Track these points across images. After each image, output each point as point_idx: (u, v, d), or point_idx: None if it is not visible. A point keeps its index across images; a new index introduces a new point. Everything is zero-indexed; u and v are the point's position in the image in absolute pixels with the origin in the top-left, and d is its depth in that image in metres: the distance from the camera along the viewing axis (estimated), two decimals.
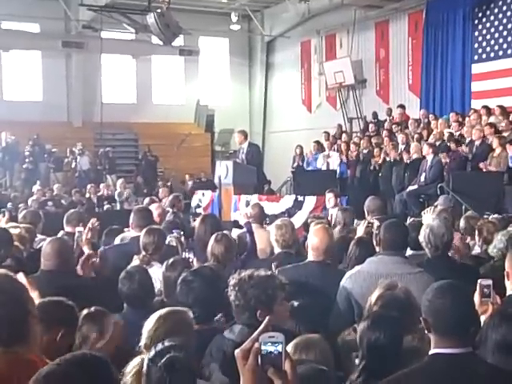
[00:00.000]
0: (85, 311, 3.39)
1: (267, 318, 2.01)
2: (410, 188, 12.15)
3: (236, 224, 8.17)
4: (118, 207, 16.04)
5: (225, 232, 5.35)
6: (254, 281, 3.09)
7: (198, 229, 6.08)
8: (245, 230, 6.43)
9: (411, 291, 3.60)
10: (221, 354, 3.01)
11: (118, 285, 4.16)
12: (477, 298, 3.49)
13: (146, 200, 9.95)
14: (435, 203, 8.92)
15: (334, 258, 5.14)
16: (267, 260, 5.39)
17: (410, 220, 6.76)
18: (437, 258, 4.67)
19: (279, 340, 1.78)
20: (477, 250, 5.77)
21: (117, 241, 6.34)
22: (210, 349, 3.08)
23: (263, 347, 1.77)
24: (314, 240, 4.60)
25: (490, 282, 3.56)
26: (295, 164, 17.18)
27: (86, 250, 5.58)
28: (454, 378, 2.58)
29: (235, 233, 6.84)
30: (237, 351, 1.81)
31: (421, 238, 4.76)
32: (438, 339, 2.65)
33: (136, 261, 4.97)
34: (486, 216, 7.03)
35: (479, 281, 3.56)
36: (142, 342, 3.03)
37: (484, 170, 11.44)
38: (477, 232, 5.80)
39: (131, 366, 2.60)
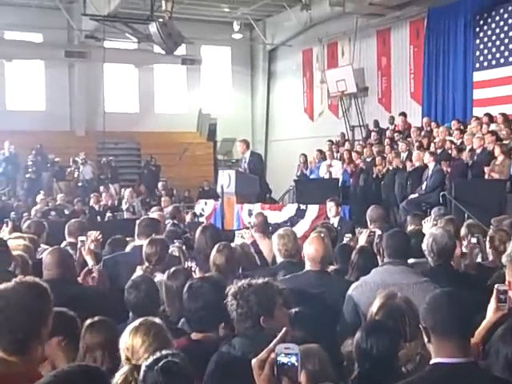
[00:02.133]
0: (88, 321, 3.39)
1: (284, 329, 2.01)
2: (411, 197, 12.13)
3: None
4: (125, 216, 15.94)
5: (226, 243, 5.35)
6: (253, 287, 3.12)
7: (198, 239, 6.08)
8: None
9: (418, 301, 3.50)
10: (222, 370, 2.99)
11: (124, 294, 4.16)
12: (492, 303, 3.46)
13: (154, 209, 10.00)
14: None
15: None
16: (270, 269, 5.39)
17: (410, 228, 6.73)
18: (439, 266, 4.68)
19: (294, 351, 1.80)
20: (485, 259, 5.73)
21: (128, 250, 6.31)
22: (209, 366, 3.05)
23: (278, 358, 1.79)
24: (310, 249, 4.59)
25: (506, 287, 3.51)
26: (299, 172, 17.19)
27: (89, 261, 5.59)
28: None
29: (238, 241, 6.83)
30: (253, 361, 1.84)
31: (424, 246, 4.76)
32: (438, 345, 2.60)
33: (139, 271, 4.98)
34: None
35: (496, 286, 3.52)
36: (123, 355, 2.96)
37: (487, 176, 11.41)
38: (488, 240, 5.72)
39: (118, 376, 2.60)
